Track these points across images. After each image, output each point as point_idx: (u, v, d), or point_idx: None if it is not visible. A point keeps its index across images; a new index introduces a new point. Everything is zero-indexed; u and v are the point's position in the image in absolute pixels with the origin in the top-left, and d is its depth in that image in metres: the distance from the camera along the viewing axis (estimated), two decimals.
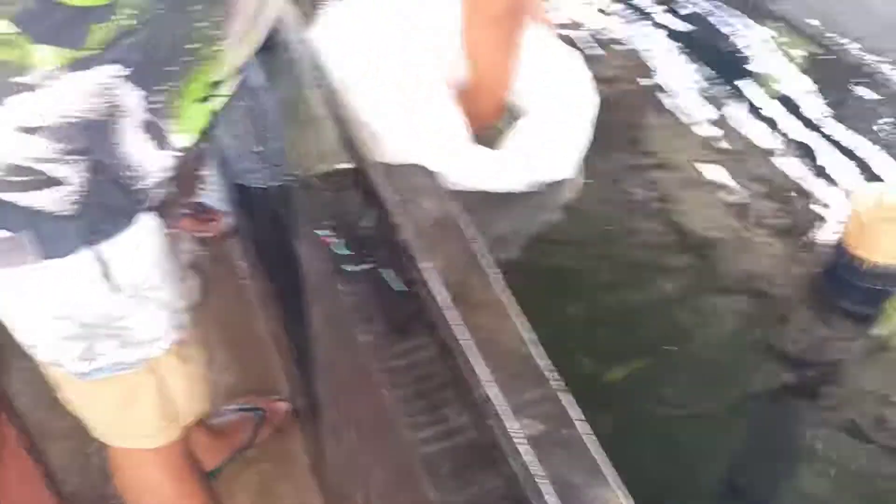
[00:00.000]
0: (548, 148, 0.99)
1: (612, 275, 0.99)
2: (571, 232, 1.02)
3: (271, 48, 1.25)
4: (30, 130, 0.67)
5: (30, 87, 0.65)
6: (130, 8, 0.66)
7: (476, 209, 0.94)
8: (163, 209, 0.83)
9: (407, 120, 0.92)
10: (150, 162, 0.75)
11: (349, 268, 0.78)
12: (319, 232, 0.81)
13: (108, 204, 0.74)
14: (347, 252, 0.78)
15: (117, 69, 0.68)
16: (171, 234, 1.86)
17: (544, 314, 0.88)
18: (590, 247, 1.02)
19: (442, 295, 0.73)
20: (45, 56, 0.65)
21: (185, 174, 0.91)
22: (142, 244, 0.80)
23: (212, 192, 2.08)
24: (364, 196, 0.85)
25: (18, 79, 0.65)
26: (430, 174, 0.88)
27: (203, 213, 1.97)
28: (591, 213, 1.05)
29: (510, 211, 1.01)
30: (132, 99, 0.70)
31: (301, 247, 0.91)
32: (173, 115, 0.75)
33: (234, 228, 2.01)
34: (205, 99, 0.78)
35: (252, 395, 1.68)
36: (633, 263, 1.00)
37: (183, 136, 0.77)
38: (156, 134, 0.74)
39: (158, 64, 0.71)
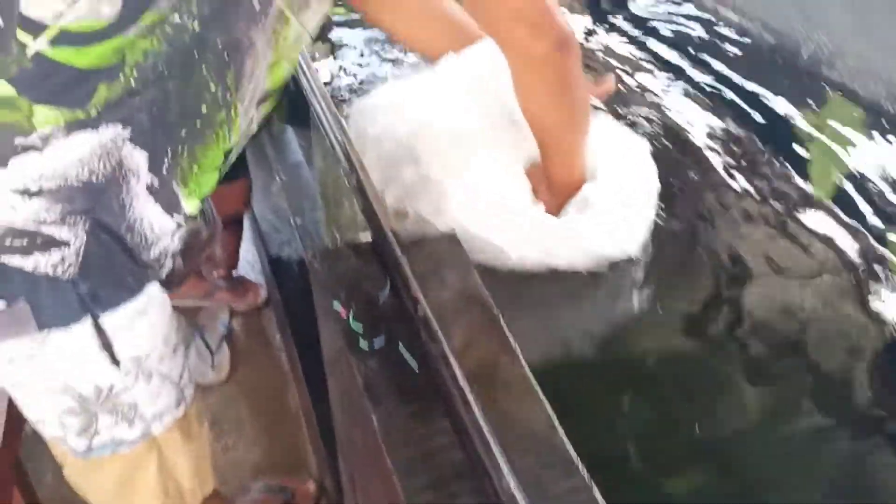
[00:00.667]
0: (615, 223, 0.96)
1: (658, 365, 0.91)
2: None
3: (307, 122, 1.26)
4: (30, 193, 0.66)
5: (31, 149, 0.65)
6: (138, 67, 0.65)
7: (535, 296, 0.93)
8: (170, 281, 0.80)
9: (476, 191, 0.92)
10: (157, 227, 0.73)
11: (364, 344, 0.74)
12: (335, 305, 0.78)
13: (109, 270, 0.72)
14: (361, 327, 0.74)
15: (120, 130, 0.67)
16: (208, 307, 1.86)
17: (579, 402, 0.82)
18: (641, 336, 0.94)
19: (461, 375, 0.67)
20: (46, 117, 0.64)
21: (195, 246, 0.90)
22: (146, 315, 0.77)
23: (248, 264, 2.09)
24: (383, 268, 0.82)
25: (20, 140, 0.65)
26: (454, 246, 0.84)
27: (239, 284, 1.97)
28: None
29: (571, 299, 0.97)
30: (137, 160, 0.69)
31: (320, 320, 0.88)
32: (185, 179, 0.73)
33: (269, 300, 2.00)
34: (220, 167, 0.77)
35: (280, 472, 1.62)
36: (693, 358, 0.92)
37: (191, 202, 0.75)
38: (163, 198, 0.72)
39: (166, 126, 0.69)
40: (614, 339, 0.94)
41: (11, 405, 0.92)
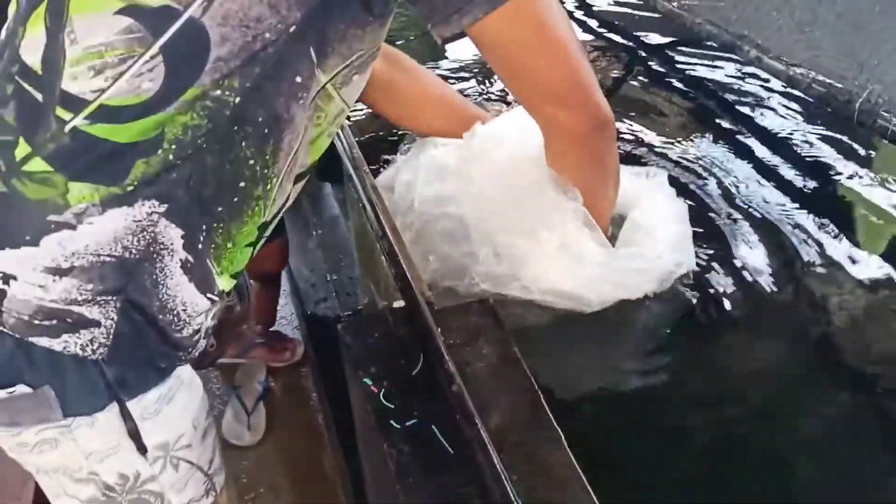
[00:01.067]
0: (670, 240, 0.99)
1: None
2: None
3: (342, 176, 1.24)
4: (62, 271, 0.64)
5: (65, 226, 0.63)
6: (177, 142, 0.63)
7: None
8: (201, 361, 0.78)
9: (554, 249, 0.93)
10: (190, 305, 0.70)
11: (395, 423, 0.69)
12: (367, 380, 0.74)
13: (140, 351, 0.69)
14: (391, 405, 0.69)
15: (157, 206, 0.64)
16: (245, 365, 1.84)
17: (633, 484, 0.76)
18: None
19: (500, 460, 0.62)
20: (81, 193, 0.63)
21: (229, 322, 0.87)
22: (175, 400, 0.74)
23: (284, 320, 2.07)
24: (416, 339, 0.78)
25: (53, 217, 0.63)
26: (489, 313, 0.80)
27: (276, 341, 1.95)
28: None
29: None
30: (171, 237, 0.66)
31: (351, 392, 0.84)
32: (219, 257, 0.70)
33: (306, 358, 1.97)
34: (254, 243, 0.74)
35: None
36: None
37: (225, 280, 0.73)
38: (197, 275, 0.69)
39: (203, 201, 0.67)
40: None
41: (38, 491, 0.90)
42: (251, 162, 0.67)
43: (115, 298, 0.66)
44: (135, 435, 0.71)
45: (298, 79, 0.65)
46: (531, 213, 0.94)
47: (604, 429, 0.83)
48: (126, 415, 0.70)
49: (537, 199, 0.93)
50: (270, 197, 0.71)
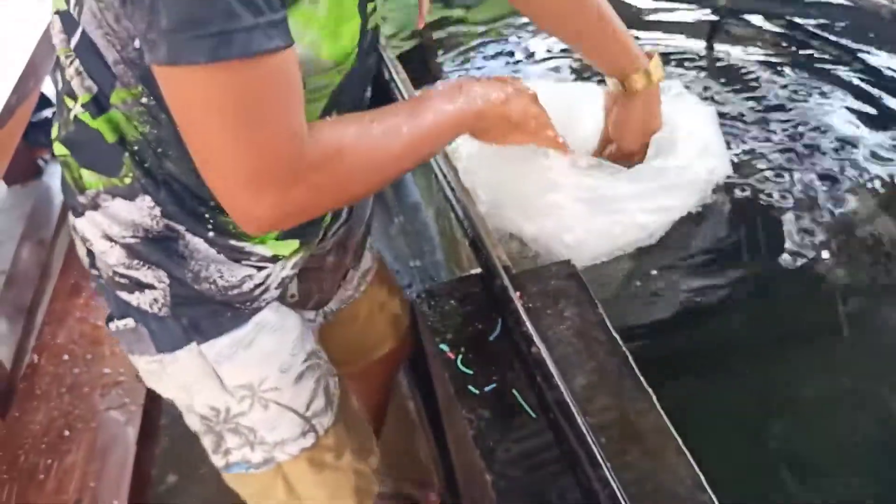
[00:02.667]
0: (702, 147, 0.95)
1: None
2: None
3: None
4: (112, 241, 0.69)
5: (90, 207, 0.68)
6: (139, 145, 0.64)
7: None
8: (304, 303, 0.81)
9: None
10: (227, 273, 0.71)
11: (474, 388, 0.66)
12: (444, 347, 0.71)
13: (200, 307, 0.72)
14: (470, 371, 0.66)
15: (151, 204, 0.66)
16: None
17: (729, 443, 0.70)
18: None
19: (586, 423, 0.58)
20: (89, 180, 0.67)
21: (329, 268, 0.87)
22: (253, 345, 0.75)
23: None
24: (493, 305, 0.74)
25: (80, 198, 0.68)
26: (571, 274, 0.76)
27: None
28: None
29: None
30: (179, 227, 0.68)
31: (431, 364, 0.81)
32: (242, 233, 0.69)
33: None
34: None
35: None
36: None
37: (272, 246, 0.72)
38: (225, 249, 0.70)
39: (189, 201, 0.67)
40: None
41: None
42: None
43: (159, 265, 0.69)
44: (216, 373, 0.74)
45: None
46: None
47: (694, 385, 0.77)
48: (204, 355, 0.73)
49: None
50: None
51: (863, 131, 1.11)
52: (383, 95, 1.14)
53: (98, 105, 0.62)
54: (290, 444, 0.81)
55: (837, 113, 1.16)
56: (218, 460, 0.82)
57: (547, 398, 0.62)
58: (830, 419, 0.76)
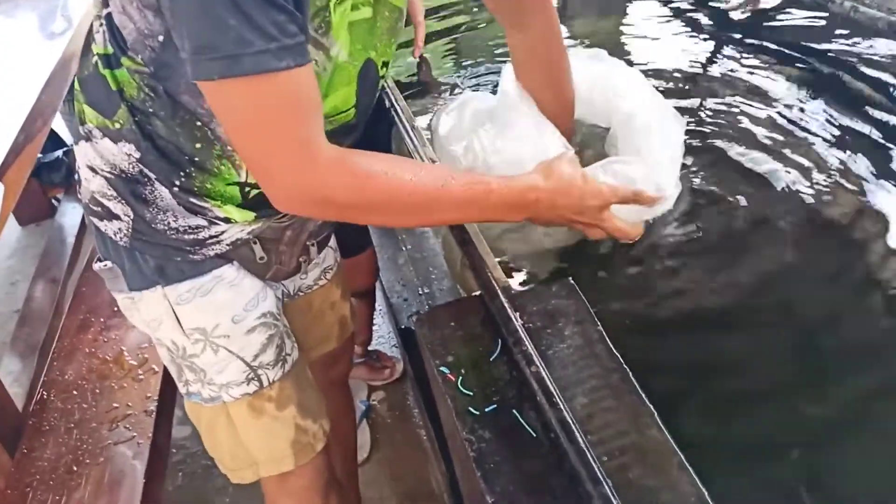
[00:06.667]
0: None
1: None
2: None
3: None
4: (94, 171, 0.78)
5: (87, 137, 0.77)
6: (134, 101, 0.72)
7: None
8: (264, 273, 0.88)
9: None
10: (183, 219, 0.78)
11: (474, 409, 0.65)
12: (444, 369, 0.70)
13: (155, 243, 0.79)
14: (469, 392, 0.66)
15: (133, 150, 0.75)
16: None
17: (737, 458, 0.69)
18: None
19: (588, 442, 0.57)
20: (89, 116, 0.76)
21: (287, 241, 0.91)
22: (211, 293, 0.83)
23: (381, 337, 2.07)
24: (492, 325, 0.74)
25: (82, 129, 0.77)
26: (572, 293, 0.75)
27: (375, 359, 1.96)
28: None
29: None
30: (151, 175, 0.76)
31: (432, 386, 0.81)
32: (207, 195, 0.77)
33: (406, 374, 1.96)
34: (238, 181, 0.77)
35: None
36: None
37: (233, 210, 0.78)
38: (184, 202, 0.77)
39: (167, 155, 0.74)
40: None
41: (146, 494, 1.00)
42: (198, 124, 0.72)
43: (125, 201, 0.78)
44: (176, 315, 0.83)
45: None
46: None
47: (697, 400, 0.76)
48: (166, 297, 0.81)
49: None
50: (236, 158, 0.75)
51: None
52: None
53: (110, 61, 0.72)
54: (234, 387, 0.88)
55: None
56: (181, 387, 0.92)
57: (548, 417, 0.61)
58: (845, 440, 0.75)
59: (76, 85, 0.78)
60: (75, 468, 1.13)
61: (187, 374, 0.88)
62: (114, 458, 1.14)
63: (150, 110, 0.72)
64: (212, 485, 1.76)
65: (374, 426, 1.90)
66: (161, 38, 0.66)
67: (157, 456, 1.15)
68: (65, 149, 2.51)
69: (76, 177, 0.84)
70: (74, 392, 1.28)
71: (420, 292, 1.78)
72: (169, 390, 1.28)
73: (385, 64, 0.79)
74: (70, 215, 2.25)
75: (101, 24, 0.72)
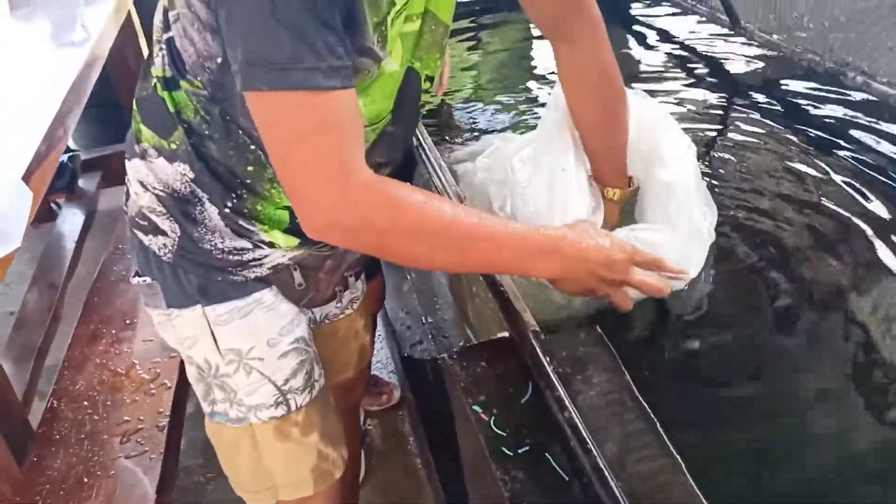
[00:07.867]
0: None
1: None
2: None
3: None
4: (145, 187, 0.80)
5: (141, 155, 0.80)
6: (191, 124, 0.75)
7: None
8: (299, 300, 0.90)
9: None
10: (230, 241, 0.80)
11: (507, 450, 0.68)
12: (476, 408, 0.74)
13: (199, 263, 0.81)
14: (503, 432, 0.69)
15: (187, 170, 0.77)
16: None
17: None
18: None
19: (619, 488, 0.61)
20: (145, 135, 0.79)
21: (326, 270, 0.94)
22: (250, 316, 0.84)
23: (381, 364, 2.09)
24: (523, 368, 0.77)
25: (137, 147, 0.80)
26: (599, 340, 0.79)
27: (373, 385, 1.97)
28: None
29: None
30: (202, 195, 0.78)
31: (458, 423, 0.84)
32: (255, 219, 0.79)
33: (402, 400, 1.98)
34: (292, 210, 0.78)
35: None
36: None
37: (278, 236, 0.80)
38: (232, 225, 0.79)
39: (219, 177, 0.77)
40: None
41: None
42: (252, 147, 0.75)
43: (175, 218, 0.80)
44: (213, 335, 0.84)
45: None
46: None
47: (722, 448, 0.79)
48: (206, 317, 0.83)
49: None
50: None
51: None
52: None
53: (169, 83, 0.75)
54: (263, 410, 0.89)
55: None
56: (205, 407, 0.92)
57: (581, 462, 0.65)
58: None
59: (134, 105, 0.81)
60: (86, 479, 1.14)
61: (216, 392, 0.89)
62: (124, 471, 1.15)
63: (206, 133, 0.75)
64: (205, 500, 1.77)
65: (369, 452, 1.91)
66: (219, 59, 0.69)
67: (168, 473, 1.16)
68: (69, 154, 2.50)
69: (125, 190, 0.86)
70: (85, 403, 1.29)
71: (423, 321, 1.80)
72: (181, 407, 1.29)
73: (429, 79, 0.81)
74: (71, 221, 2.26)
75: (160, 49, 0.75)
